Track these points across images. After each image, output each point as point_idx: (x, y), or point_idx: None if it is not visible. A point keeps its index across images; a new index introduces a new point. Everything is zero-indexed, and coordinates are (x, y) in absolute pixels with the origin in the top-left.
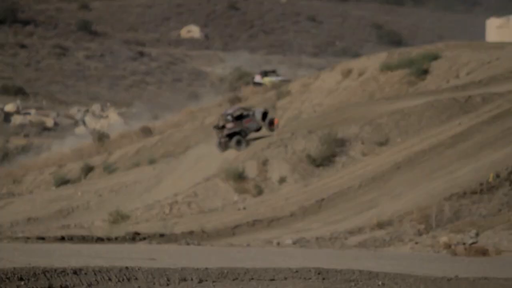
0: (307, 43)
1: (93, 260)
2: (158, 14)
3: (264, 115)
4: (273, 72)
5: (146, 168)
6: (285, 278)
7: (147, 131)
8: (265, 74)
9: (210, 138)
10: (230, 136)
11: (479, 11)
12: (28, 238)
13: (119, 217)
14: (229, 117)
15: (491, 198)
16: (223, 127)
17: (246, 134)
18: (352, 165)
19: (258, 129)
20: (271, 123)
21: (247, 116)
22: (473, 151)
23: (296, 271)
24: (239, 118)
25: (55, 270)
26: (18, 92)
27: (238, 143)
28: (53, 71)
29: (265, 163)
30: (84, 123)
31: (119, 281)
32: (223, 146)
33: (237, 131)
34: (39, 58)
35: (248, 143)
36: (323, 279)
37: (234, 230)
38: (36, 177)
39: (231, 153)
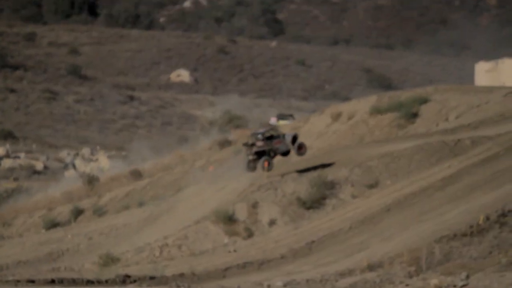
0: (296, 86)
1: None
2: (148, 58)
3: (294, 139)
4: (290, 115)
5: (136, 211)
6: None
7: (137, 174)
8: (281, 117)
9: (200, 181)
10: (259, 154)
11: (468, 55)
12: (18, 281)
13: (109, 260)
14: (260, 136)
15: (482, 240)
16: (253, 145)
17: (275, 155)
18: (342, 208)
19: (287, 152)
20: (300, 148)
21: (278, 137)
22: (463, 193)
23: None
24: (269, 138)
25: None
26: (8, 136)
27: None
28: (43, 115)
29: (255, 205)
30: (74, 166)
31: None
32: (252, 166)
33: (266, 149)
34: (28, 103)
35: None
36: None
37: (224, 272)
38: (26, 220)
39: (221, 195)
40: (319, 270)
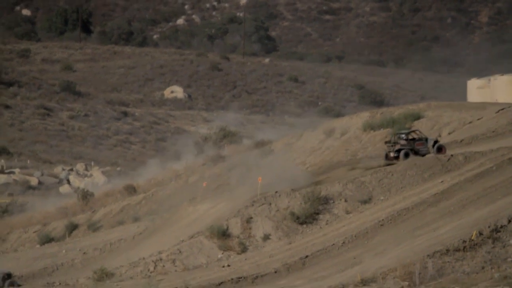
0: (289, 103)
1: None
2: (141, 75)
3: (435, 143)
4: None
5: (130, 226)
6: None
7: (131, 190)
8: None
9: (194, 196)
10: (400, 152)
11: (460, 72)
12: None
13: (103, 275)
14: (403, 136)
15: (474, 255)
16: (396, 143)
17: (415, 155)
18: (335, 223)
19: (425, 155)
20: (440, 150)
21: (420, 140)
22: (455, 209)
23: None
24: (412, 139)
25: None
26: (2, 151)
27: (406, 155)
28: (37, 131)
29: (249, 220)
30: (68, 182)
31: None
32: (390, 159)
33: (407, 148)
34: (23, 119)
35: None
36: None
37: (218, 287)
38: (20, 235)
39: (215, 211)
40: (313, 285)
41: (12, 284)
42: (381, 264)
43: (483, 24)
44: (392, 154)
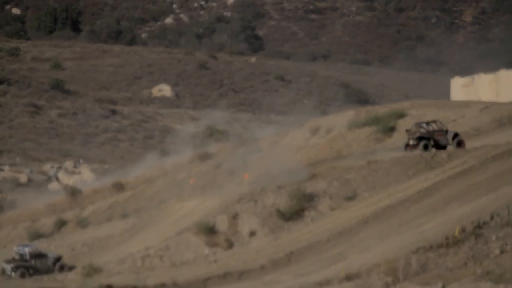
0: (276, 101)
1: None
2: (130, 73)
3: (455, 136)
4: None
5: (118, 222)
6: None
7: (119, 187)
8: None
9: (182, 193)
10: (420, 139)
11: (444, 71)
12: None
13: (92, 270)
14: (424, 125)
15: (457, 251)
16: (416, 132)
17: (434, 145)
18: (320, 220)
19: (445, 146)
20: (459, 144)
21: (440, 131)
22: (439, 205)
23: None
24: (432, 130)
25: None
26: None
27: (425, 147)
28: (26, 129)
29: (235, 217)
30: (57, 179)
31: None
32: (409, 148)
33: (428, 137)
34: (12, 116)
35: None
36: None
37: (205, 282)
38: (10, 232)
39: (202, 207)
40: (298, 280)
41: (62, 267)
42: (366, 260)
43: (467, 24)
44: (411, 142)
